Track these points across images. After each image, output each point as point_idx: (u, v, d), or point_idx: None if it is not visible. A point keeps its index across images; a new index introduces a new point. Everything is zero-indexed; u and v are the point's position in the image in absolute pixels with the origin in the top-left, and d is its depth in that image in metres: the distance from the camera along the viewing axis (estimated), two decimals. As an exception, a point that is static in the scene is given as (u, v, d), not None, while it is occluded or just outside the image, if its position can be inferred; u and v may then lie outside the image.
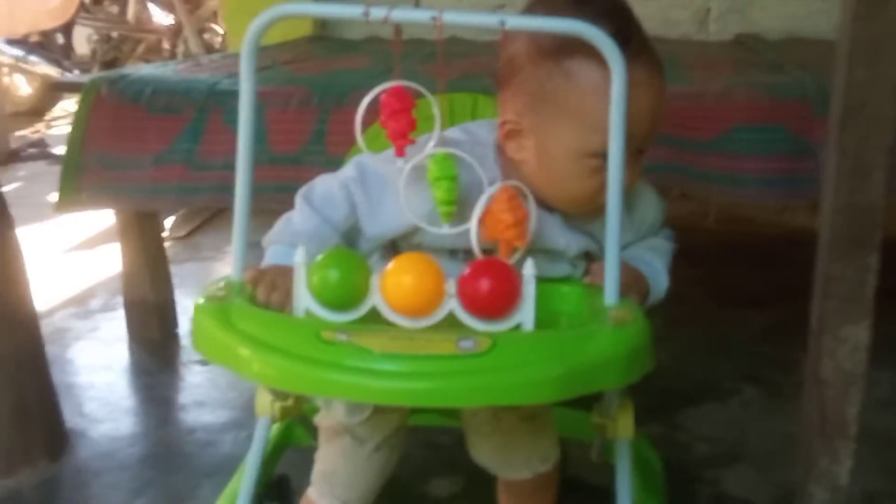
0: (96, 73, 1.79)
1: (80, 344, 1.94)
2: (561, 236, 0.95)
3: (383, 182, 0.94)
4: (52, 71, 5.01)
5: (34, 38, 5.23)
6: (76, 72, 5.04)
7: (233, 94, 1.64)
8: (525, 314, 0.81)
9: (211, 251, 2.59)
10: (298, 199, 0.97)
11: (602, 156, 0.84)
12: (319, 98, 1.61)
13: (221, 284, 0.89)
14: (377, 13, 0.80)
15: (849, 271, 0.96)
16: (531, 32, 0.90)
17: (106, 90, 1.67)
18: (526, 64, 0.90)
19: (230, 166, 1.57)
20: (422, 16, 0.79)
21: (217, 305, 0.84)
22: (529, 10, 0.92)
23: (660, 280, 0.99)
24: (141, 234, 1.85)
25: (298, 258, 0.83)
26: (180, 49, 4.58)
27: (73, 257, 2.56)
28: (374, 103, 1.67)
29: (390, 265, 0.81)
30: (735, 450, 1.49)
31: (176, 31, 4.63)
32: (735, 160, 1.42)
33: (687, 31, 2.73)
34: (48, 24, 5.07)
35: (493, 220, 0.86)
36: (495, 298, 0.80)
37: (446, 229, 0.87)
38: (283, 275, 0.85)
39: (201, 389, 1.71)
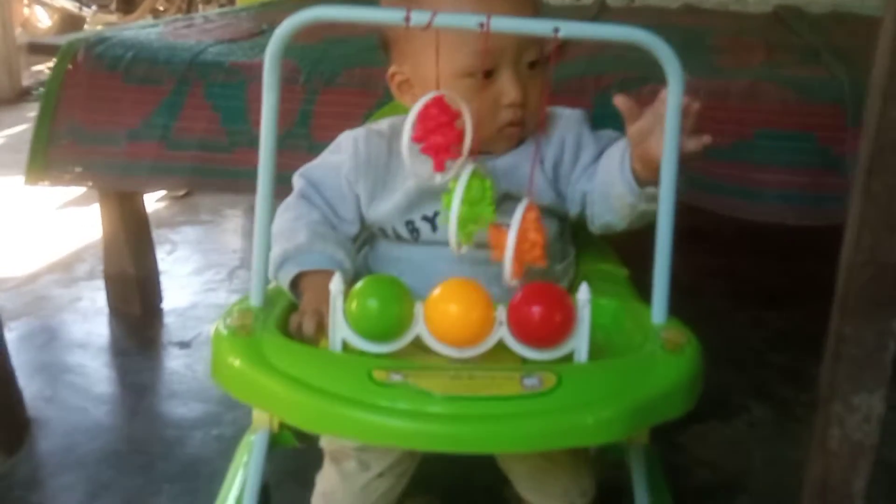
0: (74, 36, 1.66)
1: (59, 316, 1.86)
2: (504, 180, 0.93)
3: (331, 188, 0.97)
4: (70, 5, 4.92)
5: (54, -29, 5.11)
6: (94, 8, 4.94)
7: (216, 66, 1.54)
8: (579, 341, 0.78)
9: (209, 214, 2.50)
10: (273, 229, 0.92)
11: (476, 74, 0.88)
12: (307, 75, 1.48)
13: (242, 310, 0.84)
14: (419, 18, 0.75)
15: (866, 334, 0.84)
16: None
17: (82, 55, 1.56)
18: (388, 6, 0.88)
19: (206, 146, 1.51)
20: (468, 21, 0.75)
21: (246, 339, 0.79)
22: None
23: None
24: (121, 202, 1.75)
25: (334, 286, 0.77)
26: (198, -10, 4.44)
27: (66, 214, 2.47)
28: (366, 78, 1.55)
29: (436, 292, 0.77)
30: (738, 480, 1.38)
31: (196, -30, 4.48)
32: (755, 171, 1.28)
33: (724, 0, 2.56)
34: (69, -45, 4.97)
35: (521, 238, 0.79)
36: (549, 326, 0.77)
37: (464, 249, 0.83)
38: (324, 301, 0.80)
39: (176, 377, 1.63)
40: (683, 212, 1.34)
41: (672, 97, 0.78)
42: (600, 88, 1.40)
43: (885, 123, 0.79)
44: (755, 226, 1.35)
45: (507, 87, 0.90)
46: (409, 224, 0.96)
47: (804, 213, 1.26)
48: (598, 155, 0.96)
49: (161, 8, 5.07)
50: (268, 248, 0.86)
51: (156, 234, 2.18)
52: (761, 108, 1.32)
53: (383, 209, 0.96)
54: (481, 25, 0.75)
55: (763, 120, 1.31)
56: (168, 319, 1.85)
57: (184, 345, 1.74)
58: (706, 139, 0.83)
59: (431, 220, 0.95)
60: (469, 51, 0.86)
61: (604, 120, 1.35)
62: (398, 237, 0.98)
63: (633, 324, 0.87)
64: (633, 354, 0.81)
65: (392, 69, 0.97)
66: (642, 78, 1.36)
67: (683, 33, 1.96)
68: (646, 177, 0.85)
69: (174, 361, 1.69)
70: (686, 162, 0.81)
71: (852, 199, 0.84)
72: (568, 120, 0.99)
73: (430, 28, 0.81)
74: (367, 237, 1.03)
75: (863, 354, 0.84)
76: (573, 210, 0.98)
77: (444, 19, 0.77)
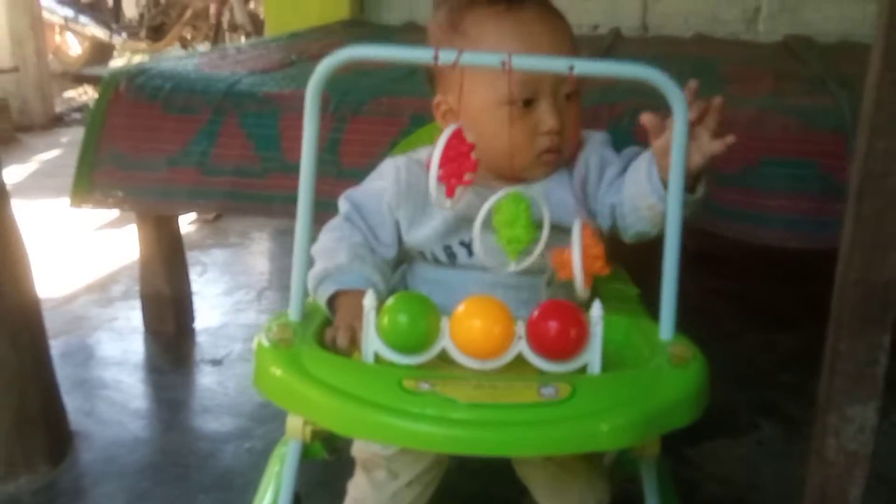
0: (115, 69, 1.75)
1: (96, 335, 1.95)
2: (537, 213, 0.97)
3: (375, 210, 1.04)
4: (100, 33, 5.05)
5: (85, 0, 5.26)
6: (124, 35, 5.07)
7: (249, 96, 1.63)
8: (592, 355, 0.84)
9: (237, 237, 2.59)
10: (314, 248, 1.01)
11: (515, 102, 0.95)
12: (336, 104, 1.57)
13: (282, 324, 0.90)
14: (446, 56, 0.82)
15: (859, 349, 0.90)
16: (434, 19, 1.03)
17: (124, 86, 1.65)
18: (436, 45, 0.93)
19: (240, 172, 1.60)
20: (491, 59, 0.82)
21: (286, 350, 0.86)
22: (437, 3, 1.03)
23: None
24: (158, 225, 1.84)
25: (368, 303, 0.84)
26: (226, 18, 4.56)
27: (102, 236, 2.57)
28: (391, 107, 1.62)
29: (460, 308, 0.84)
30: (746, 495, 1.43)
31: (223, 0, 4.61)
32: (761, 196, 1.35)
33: (735, 30, 2.64)
34: (99, -15, 5.11)
35: (587, 255, 0.87)
36: (565, 341, 0.83)
37: (513, 266, 0.90)
38: (357, 317, 0.87)
39: (209, 392, 1.70)
40: (694, 236, 1.41)
41: (677, 132, 0.84)
42: (614, 117, 1.47)
43: (872, 153, 0.85)
44: (765, 250, 1.41)
45: (546, 116, 0.97)
46: (447, 249, 1.03)
47: (807, 237, 1.32)
48: (623, 169, 1.02)
49: (188, 36, 5.20)
50: (306, 267, 0.92)
51: (187, 256, 2.28)
52: (766, 136, 1.38)
53: (422, 234, 1.03)
54: (503, 64, 0.82)
55: (768, 148, 1.37)
56: (200, 338, 1.93)
57: (216, 362, 1.82)
58: (730, 139, 0.90)
59: (468, 246, 1.01)
60: (512, 80, 0.91)
61: (617, 146, 1.43)
62: (436, 260, 1.04)
63: (642, 339, 0.93)
64: (641, 368, 0.87)
65: (438, 98, 1.03)
66: (654, 107, 1.43)
67: (694, 62, 2.04)
68: None
69: (206, 378, 1.76)
70: (712, 164, 0.89)
71: (844, 223, 0.90)
72: (592, 141, 1.06)
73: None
74: (406, 258, 1.09)
75: (856, 368, 0.90)
76: (605, 223, 1.03)
77: (470, 58, 0.83)
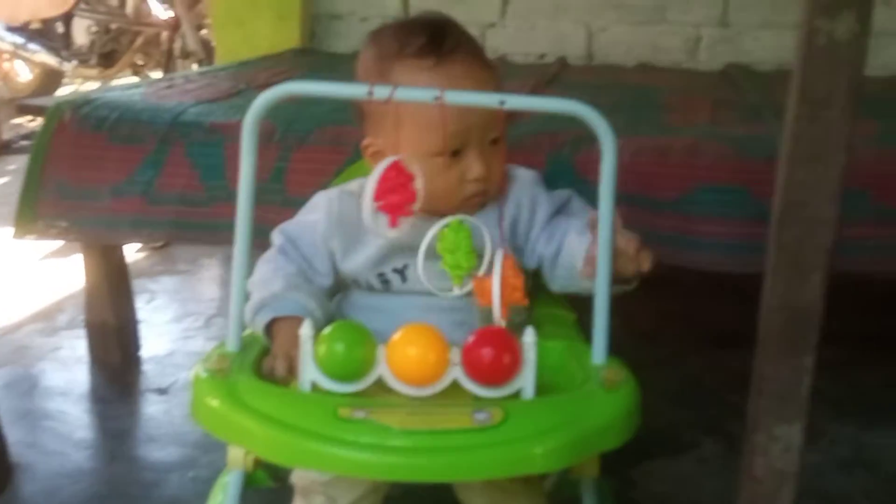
0: (61, 98, 1.75)
1: (40, 365, 1.92)
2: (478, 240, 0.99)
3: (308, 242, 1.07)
4: (51, 60, 5.00)
5: (34, 26, 5.20)
6: (74, 62, 5.03)
7: (195, 126, 1.63)
8: (526, 380, 0.87)
9: (187, 264, 2.58)
10: (250, 282, 1.01)
11: (445, 153, 0.98)
12: (282, 133, 1.58)
13: (220, 354, 0.92)
14: (381, 92, 0.85)
15: (783, 371, 0.93)
16: (362, 62, 1.05)
17: (69, 116, 1.65)
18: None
19: (185, 201, 1.60)
20: (424, 95, 0.85)
21: (223, 381, 0.87)
22: (366, 41, 1.06)
23: None
24: (103, 254, 1.83)
25: (304, 332, 0.86)
26: (178, 44, 4.55)
27: (48, 265, 2.54)
28: (337, 136, 1.64)
29: (395, 336, 0.86)
30: (686, 511, 1.47)
31: (174, 26, 4.59)
32: (695, 222, 1.39)
33: (677, 59, 2.71)
34: (49, 12, 5.07)
35: (505, 285, 0.89)
36: (499, 367, 0.86)
37: (456, 290, 0.93)
38: (295, 346, 0.88)
39: (154, 422, 1.69)
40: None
41: (606, 165, 0.88)
42: (555, 146, 1.50)
43: (792, 183, 0.89)
44: (709, 271, 1.45)
45: (474, 165, 0.99)
46: (381, 276, 1.05)
47: (739, 261, 1.36)
48: (553, 213, 1.07)
49: (140, 62, 5.18)
50: (244, 297, 0.94)
51: (135, 283, 2.24)
52: (701, 163, 1.43)
53: (356, 263, 1.05)
54: (437, 98, 0.85)
55: (703, 175, 1.42)
56: (146, 367, 1.92)
57: (161, 391, 1.80)
58: (644, 266, 0.94)
59: (401, 272, 1.04)
60: (439, 134, 0.95)
61: (556, 176, 1.46)
62: (370, 288, 1.07)
63: (576, 364, 0.96)
64: (574, 392, 0.90)
65: (367, 141, 1.05)
66: (595, 137, 1.47)
67: (636, 92, 2.09)
68: None
69: (152, 407, 1.75)
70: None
71: (767, 250, 0.94)
72: (523, 181, 1.09)
73: (401, 108, 0.94)
74: (341, 286, 1.11)
75: (781, 390, 0.94)
76: (529, 265, 1.07)
77: (404, 93, 0.86)
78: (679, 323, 2.17)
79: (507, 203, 1.06)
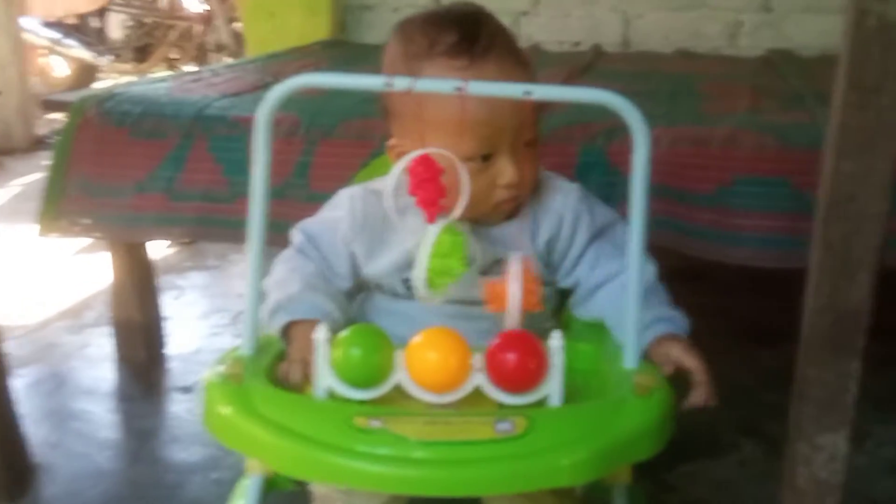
0: (85, 93, 1.73)
1: (67, 363, 1.91)
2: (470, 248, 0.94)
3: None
4: (86, 55, 5.04)
5: (70, 21, 5.25)
6: (109, 57, 5.05)
7: (220, 120, 1.60)
8: (552, 386, 0.81)
9: (216, 259, 2.56)
10: (266, 282, 0.98)
11: (476, 158, 0.91)
12: (307, 127, 1.54)
13: (233, 359, 0.88)
14: (401, 84, 0.80)
15: (828, 376, 0.88)
16: (389, 57, 0.98)
17: (93, 112, 1.62)
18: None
19: (209, 197, 1.56)
20: (446, 86, 0.80)
21: (235, 387, 0.84)
22: (393, 35, 0.99)
23: (682, 324, 1.00)
24: (129, 251, 1.81)
25: (320, 335, 0.81)
26: (211, 38, 4.55)
27: (78, 261, 2.53)
28: (362, 130, 1.60)
29: (415, 340, 0.81)
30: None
31: (207, 19, 4.61)
32: (735, 216, 1.32)
33: (717, 45, 2.62)
34: (84, 7, 5.11)
35: (526, 290, 0.85)
36: (524, 372, 0.81)
37: (438, 299, 0.88)
38: (311, 350, 0.84)
39: (178, 421, 1.67)
40: (674, 254, 1.38)
41: (638, 157, 0.82)
42: (587, 136, 1.45)
43: (838, 176, 0.83)
44: (749, 265, 1.40)
45: (506, 170, 0.93)
46: (406, 281, 1.00)
47: (780, 256, 1.29)
48: (594, 237, 1.02)
49: (174, 56, 5.19)
50: (259, 299, 0.90)
51: (163, 279, 2.25)
52: (741, 154, 1.36)
53: (380, 266, 1.01)
54: (459, 90, 0.80)
55: (742, 166, 1.35)
56: (172, 364, 1.90)
57: (186, 390, 1.78)
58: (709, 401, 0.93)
59: None
60: (470, 137, 0.89)
61: (589, 167, 1.40)
62: (394, 293, 1.02)
63: (608, 368, 0.91)
64: (603, 399, 0.85)
65: (393, 141, 1.00)
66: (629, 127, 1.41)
67: (673, 80, 2.02)
68: None
69: (176, 406, 1.73)
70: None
71: (812, 248, 0.88)
72: (567, 195, 1.03)
73: (429, 110, 0.89)
74: (363, 288, 1.07)
75: (826, 396, 0.88)
76: (562, 283, 1.04)
77: (425, 84, 0.82)
78: (714, 318, 2.09)
79: (547, 214, 1.01)
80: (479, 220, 0.97)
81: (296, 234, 1.04)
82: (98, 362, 1.90)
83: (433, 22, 0.96)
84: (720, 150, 1.39)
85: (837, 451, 0.89)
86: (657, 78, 2.04)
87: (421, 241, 0.86)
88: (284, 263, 1.01)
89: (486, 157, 0.94)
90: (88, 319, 2.14)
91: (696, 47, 2.63)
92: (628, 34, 2.74)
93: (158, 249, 2.39)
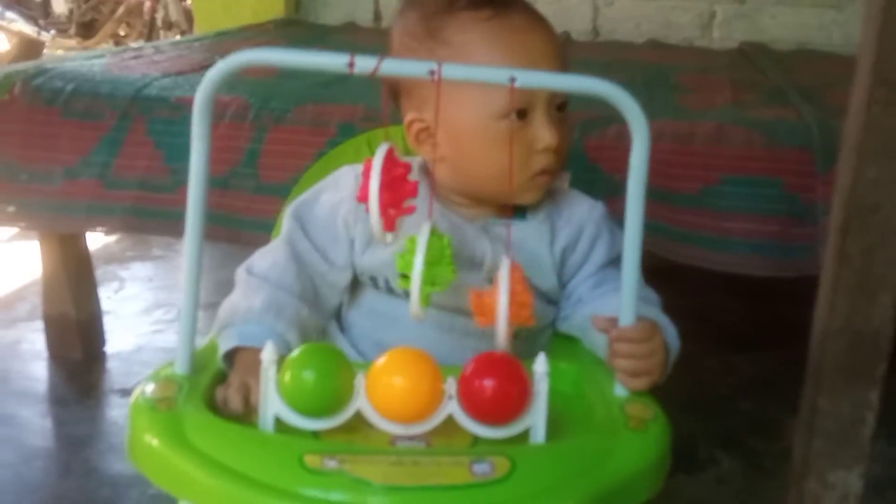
0: (12, 67, 1.59)
1: (-4, 363, 1.76)
2: (479, 245, 0.89)
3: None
4: (28, 29, 4.81)
5: (12, -6, 5.00)
6: (52, 31, 4.83)
7: (160, 101, 1.46)
8: (536, 418, 0.72)
9: (161, 249, 2.41)
10: (239, 273, 0.90)
11: (513, 113, 0.83)
12: (257, 112, 1.41)
13: (165, 378, 0.76)
14: (364, 64, 0.69)
15: (843, 407, 0.78)
16: (403, 23, 0.91)
17: (19, 88, 1.48)
18: (408, 55, 0.88)
19: (147, 186, 1.42)
20: (418, 69, 0.71)
21: (165, 414, 0.72)
22: (402, 8, 0.92)
23: (673, 340, 0.87)
24: (61, 240, 1.65)
25: (266, 355, 0.70)
26: (160, 14, 4.36)
27: (10, 248, 2.37)
28: (318, 115, 1.48)
29: (379, 363, 0.71)
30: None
31: (157, -6, 4.41)
32: (722, 218, 1.23)
33: (689, 36, 2.54)
34: (26, -22, 4.87)
35: (513, 301, 0.74)
36: (503, 402, 0.71)
37: (422, 312, 0.77)
38: (254, 374, 0.73)
39: (115, 428, 1.53)
40: (653, 255, 1.29)
41: (637, 153, 0.73)
42: (563, 129, 1.34)
43: (861, 183, 0.73)
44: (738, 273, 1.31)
45: (543, 132, 0.85)
46: (405, 277, 0.89)
47: (773, 263, 1.21)
48: (610, 261, 0.93)
49: (122, 33, 4.98)
50: (195, 309, 0.79)
51: (103, 270, 2.10)
52: (727, 151, 1.27)
53: (380, 256, 0.89)
54: (432, 73, 0.70)
55: (729, 165, 1.26)
56: (111, 364, 1.75)
57: (126, 392, 1.64)
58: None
59: None
60: (504, 90, 0.79)
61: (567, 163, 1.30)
62: (389, 290, 0.91)
63: (595, 393, 0.81)
64: (593, 433, 0.75)
65: (410, 117, 0.90)
66: (606, 118, 1.31)
67: (647, 71, 1.93)
68: None
69: (115, 411, 1.59)
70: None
71: (826, 262, 0.78)
72: (591, 210, 0.94)
73: (476, 58, 0.84)
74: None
75: (839, 429, 0.79)
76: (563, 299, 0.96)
77: (392, 66, 0.72)
78: (691, 322, 2.01)
79: (567, 222, 0.93)
80: (510, 200, 0.87)
81: (287, 221, 0.92)
82: (29, 361, 1.75)
83: None
84: (704, 147, 1.30)
85: (850, 489, 0.80)
86: (630, 68, 1.95)
87: (406, 248, 0.75)
88: (263, 257, 0.90)
89: (521, 116, 0.85)
90: (21, 313, 1.98)
91: (668, 37, 2.54)
92: (598, 22, 2.64)
93: (97, 237, 2.23)
